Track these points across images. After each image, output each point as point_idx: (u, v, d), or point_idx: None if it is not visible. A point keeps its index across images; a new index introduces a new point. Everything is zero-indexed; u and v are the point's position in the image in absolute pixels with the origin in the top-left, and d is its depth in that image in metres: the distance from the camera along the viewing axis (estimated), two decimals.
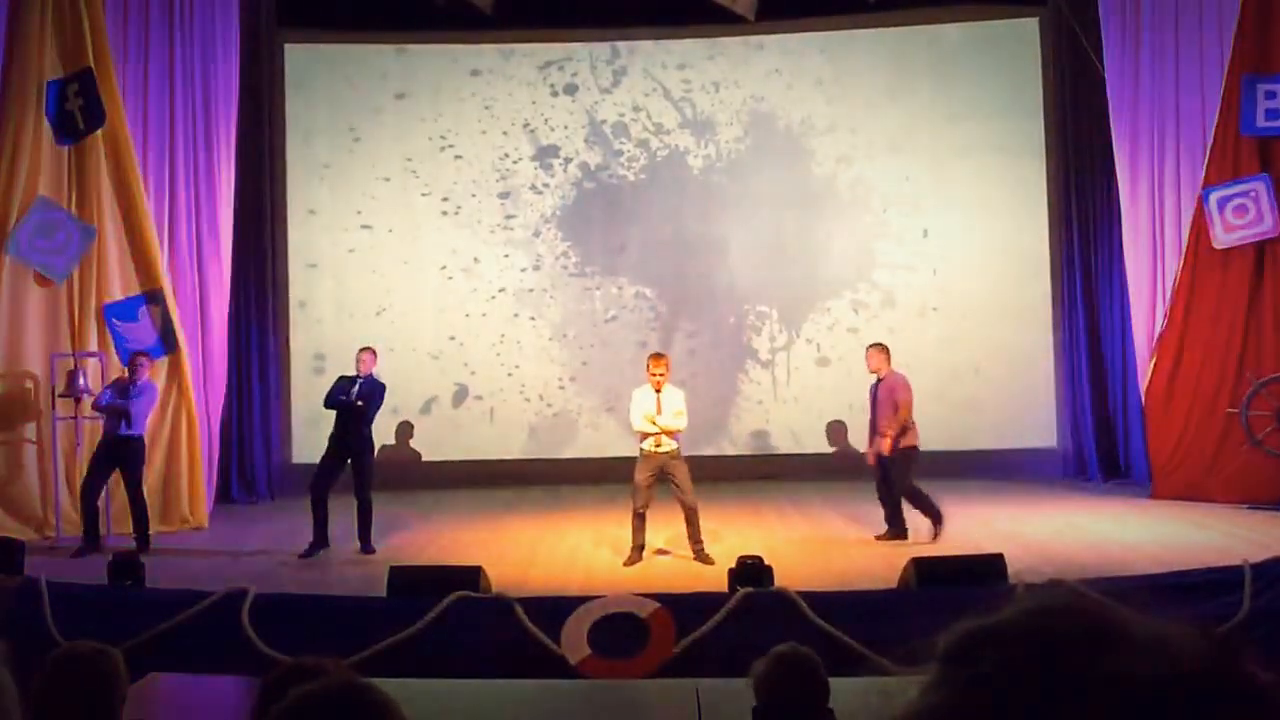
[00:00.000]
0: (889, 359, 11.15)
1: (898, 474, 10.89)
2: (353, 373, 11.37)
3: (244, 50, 13.72)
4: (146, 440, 12.25)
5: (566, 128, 15.84)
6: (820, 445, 15.28)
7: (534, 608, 8.00)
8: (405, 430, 15.29)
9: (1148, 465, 13.46)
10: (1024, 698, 0.94)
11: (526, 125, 15.84)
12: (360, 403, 11.09)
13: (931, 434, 14.87)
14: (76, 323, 12.26)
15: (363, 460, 11.18)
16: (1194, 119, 13.05)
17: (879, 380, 11.03)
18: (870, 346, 11.32)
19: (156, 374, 12.52)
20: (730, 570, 8.45)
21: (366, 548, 10.96)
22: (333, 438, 11.26)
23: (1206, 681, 0.94)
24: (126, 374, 11.55)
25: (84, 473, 11.74)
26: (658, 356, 10.76)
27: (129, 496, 11.35)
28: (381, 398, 11.38)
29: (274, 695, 2.80)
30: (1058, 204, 15.27)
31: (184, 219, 13.01)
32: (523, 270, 15.78)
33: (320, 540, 10.90)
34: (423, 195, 15.78)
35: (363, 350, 11.47)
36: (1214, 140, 12.73)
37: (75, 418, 12.04)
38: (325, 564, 10.68)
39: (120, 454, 11.34)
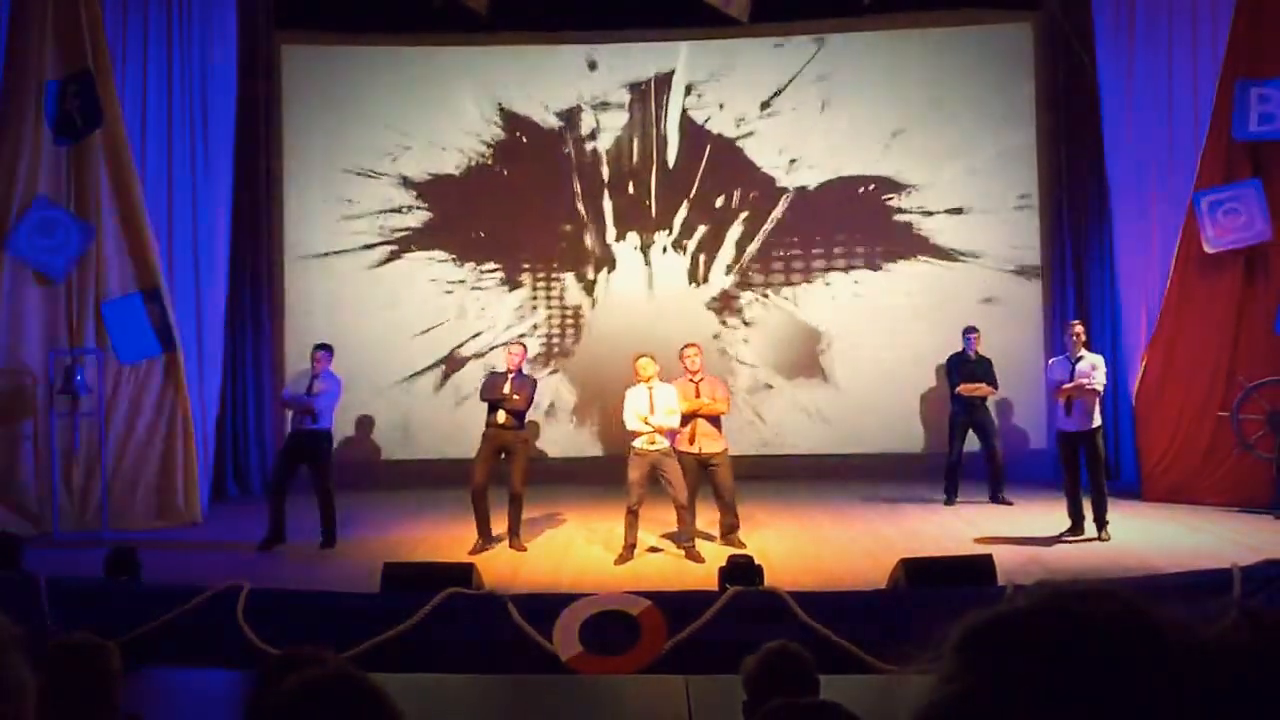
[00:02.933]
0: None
1: (728, 475, 10.92)
2: (502, 368, 11.47)
3: (241, 51, 13.78)
4: (145, 436, 12.40)
5: (562, 128, 15.89)
6: (811, 446, 15.34)
7: (526, 604, 8.05)
8: (400, 427, 15.33)
9: (1137, 468, 13.52)
10: (1052, 684, 0.93)
11: (523, 125, 15.89)
12: (517, 396, 11.13)
13: (923, 436, 15.03)
14: (75, 320, 12.35)
15: (519, 453, 11.17)
16: (1186, 123, 13.09)
17: (700, 379, 11.02)
18: (694, 346, 11.33)
19: (153, 372, 12.62)
20: (721, 569, 8.49)
21: (514, 541, 11.05)
22: (487, 435, 11.25)
23: (1250, 657, 0.94)
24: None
25: (84, 468, 11.96)
26: (647, 356, 10.84)
27: (316, 491, 11.35)
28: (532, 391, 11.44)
29: (269, 686, 2.84)
30: (1049, 207, 15.33)
31: (181, 218, 13.07)
32: (519, 269, 15.84)
33: (486, 535, 11.01)
34: (419, 194, 15.83)
35: (512, 344, 11.65)
36: (1206, 144, 12.75)
37: (73, 414, 12.12)
38: (320, 559, 10.75)
39: (307, 449, 11.42)
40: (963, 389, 13.05)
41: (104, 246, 12.42)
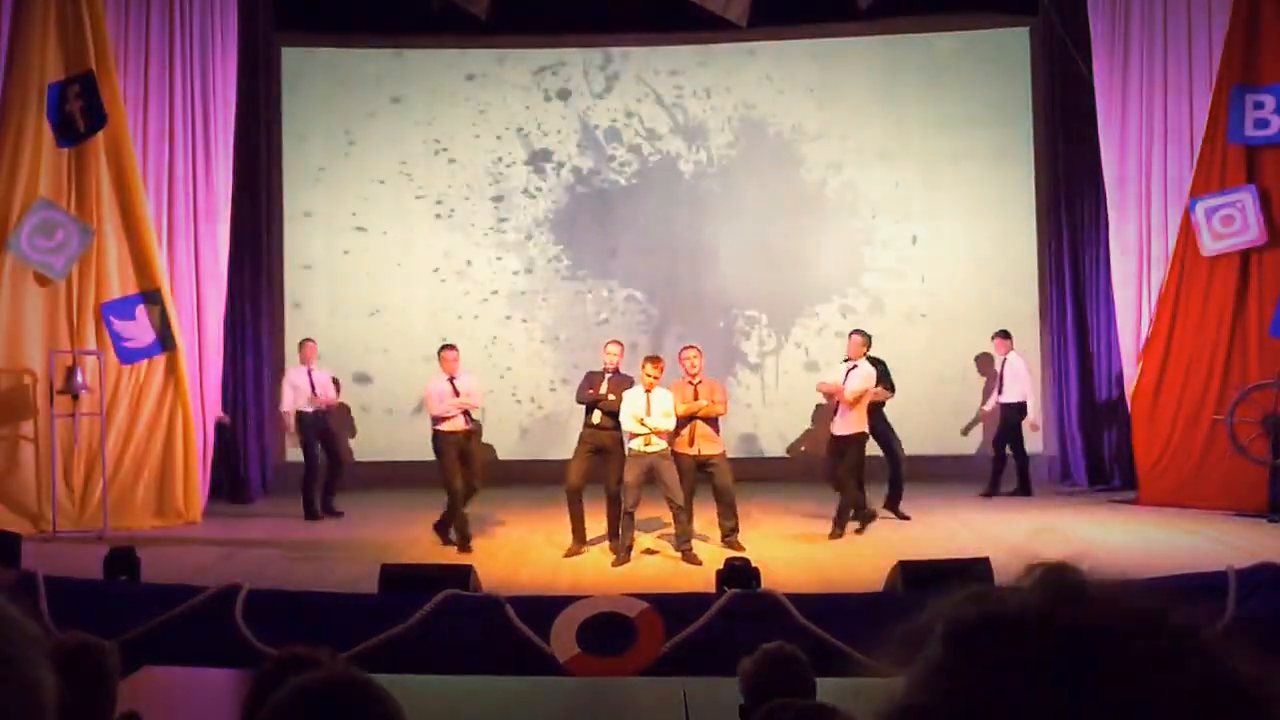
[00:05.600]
0: None
1: (727, 477, 11.01)
2: (599, 368, 11.46)
3: (242, 53, 13.80)
4: (145, 436, 12.46)
5: (559, 132, 15.94)
6: (808, 449, 15.37)
7: (523, 606, 8.06)
8: (398, 430, 15.36)
9: (1133, 471, 13.54)
10: (1043, 692, 0.87)
11: (520, 130, 15.95)
12: (613, 397, 11.03)
13: (919, 439, 15.03)
14: (75, 321, 12.40)
15: (617, 453, 11.05)
16: (1181, 128, 13.14)
17: (699, 382, 11.06)
18: (694, 349, 11.34)
19: (153, 372, 12.66)
20: (718, 571, 8.51)
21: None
22: (584, 436, 11.24)
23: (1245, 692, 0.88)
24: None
25: (84, 468, 12.13)
26: (654, 359, 10.89)
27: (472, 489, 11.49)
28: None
29: (267, 685, 2.85)
30: (1046, 211, 15.38)
31: (182, 220, 13.10)
32: (515, 273, 15.90)
33: (580, 537, 11.01)
34: (417, 198, 15.88)
35: (610, 343, 11.61)
36: (1201, 150, 12.81)
37: (73, 414, 12.15)
38: (318, 560, 10.77)
39: (464, 449, 11.48)
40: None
41: (105, 247, 12.46)
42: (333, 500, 13.34)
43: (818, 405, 14.83)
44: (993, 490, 13.82)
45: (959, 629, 0.94)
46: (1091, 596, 0.94)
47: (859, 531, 11.67)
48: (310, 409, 13.19)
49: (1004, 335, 14.10)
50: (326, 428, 13.45)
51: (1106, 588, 0.95)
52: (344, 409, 14.93)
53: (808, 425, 15.49)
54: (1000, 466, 13.94)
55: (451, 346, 11.89)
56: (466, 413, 11.50)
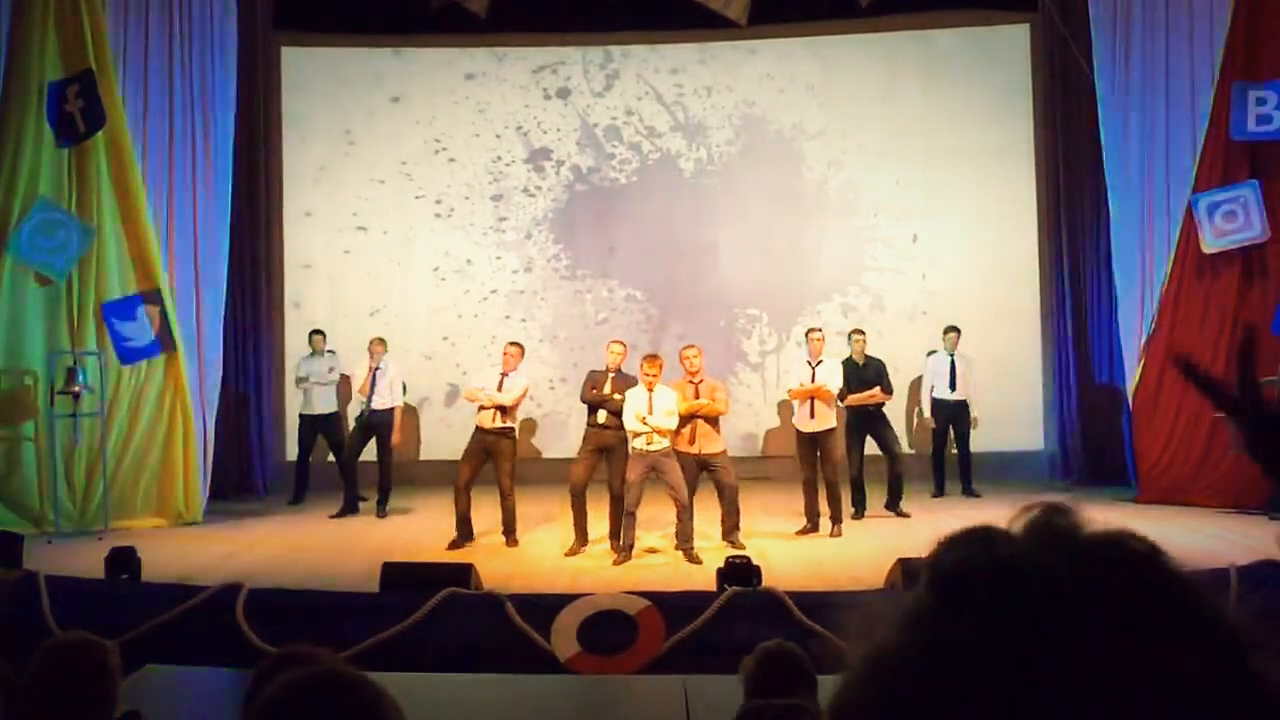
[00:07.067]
0: None
1: (728, 476, 11.02)
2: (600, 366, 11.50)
3: (242, 53, 13.83)
4: (146, 436, 12.46)
5: (559, 131, 15.94)
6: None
7: (524, 605, 8.06)
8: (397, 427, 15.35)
9: (1135, 469, 13.52)
10: (1029, 644, 0.79)
11: (519, 128, 15.94)
12: (618, 396, 10.92)
13: (919, 438, 15.06)
14: (76, 321, 12.40)
15: (619, 453, 10.99)
16: (1183, 125, 13.11)
17: (700, 381, 11.08)
18: (694, 348, 11.35)
19: (154, 373, 12.67)
20: (719, 569, 8.50)
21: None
22: (588, 435, 11.23)
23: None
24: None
25: (85, 468, 12.11)
26: (651, 358, 10.87)
27: (502, 491, 11.40)
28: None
29: (266, 684, 2.85)
30: (1047, 209, 15.36)
31: (182, 219, 13.10)
32: (514, 272, 15.89)
33: (582, 536, 11.02)
34: (416, 197, 15.88)
35: (613, 342, 11.61)
36: (1203, 146, 12.79)
37: (74, 415, 12.15)
38: (319, 559, 10.76)
39: (490, 447, 11.45)
40: (850, 400, 12.46)
41: (105, 247, 12.47)
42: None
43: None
44: (940, 490, 13.84)
45: (944, 573, 0.87)
46: (1083, 544, 0.86)
47: (855, 517, 12.10)
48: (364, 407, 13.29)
49: (955, 331, 14.07)
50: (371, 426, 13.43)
51: (1099, 535, 0.88)
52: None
53: None
54: (941, 463, 14.00)
55: (512, 343, 11.92)
56: (503, 410, 11.43)
